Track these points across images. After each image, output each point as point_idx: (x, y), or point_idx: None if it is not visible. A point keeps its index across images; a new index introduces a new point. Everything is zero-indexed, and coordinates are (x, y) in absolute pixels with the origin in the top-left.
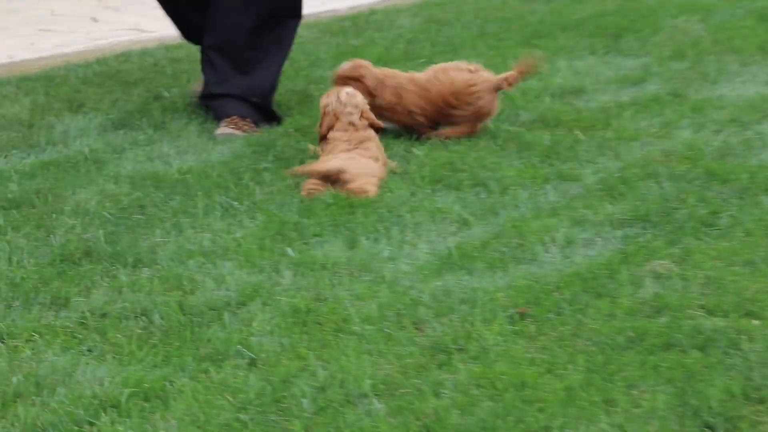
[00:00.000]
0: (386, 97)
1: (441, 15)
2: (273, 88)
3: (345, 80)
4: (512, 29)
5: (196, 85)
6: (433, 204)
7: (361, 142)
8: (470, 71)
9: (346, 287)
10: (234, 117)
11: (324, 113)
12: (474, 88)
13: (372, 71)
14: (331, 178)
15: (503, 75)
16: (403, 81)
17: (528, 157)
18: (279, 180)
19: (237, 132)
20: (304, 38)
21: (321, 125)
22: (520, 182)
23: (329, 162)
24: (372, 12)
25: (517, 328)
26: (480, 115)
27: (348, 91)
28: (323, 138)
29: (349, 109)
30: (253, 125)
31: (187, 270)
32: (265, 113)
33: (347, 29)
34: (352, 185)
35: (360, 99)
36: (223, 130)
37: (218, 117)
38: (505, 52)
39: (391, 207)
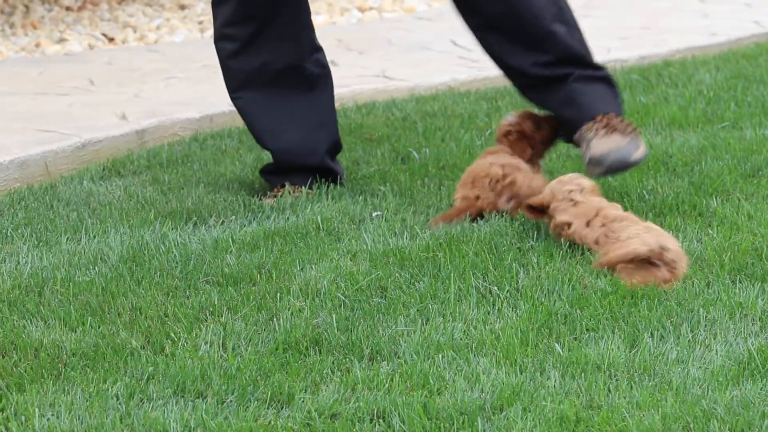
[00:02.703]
0: None
1: (750, 70)
2: None
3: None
4: None
5: None
6: (733, 298)
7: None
8: None
9: (624, 393)
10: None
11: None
12: None
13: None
14: (648, 260)
15: None
16: None
17: None
18: (548, 262)
19: None
20: None
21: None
22: None
23: (634, 241)
24: (666, 64)
25: None
26: None
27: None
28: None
29: (569, 186)
30: None
31: (435, 366)
32: None
33: (635, 84)
34: (677, 270)
35: (585, 180)
36: None
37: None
38: None
39: (682, 299)
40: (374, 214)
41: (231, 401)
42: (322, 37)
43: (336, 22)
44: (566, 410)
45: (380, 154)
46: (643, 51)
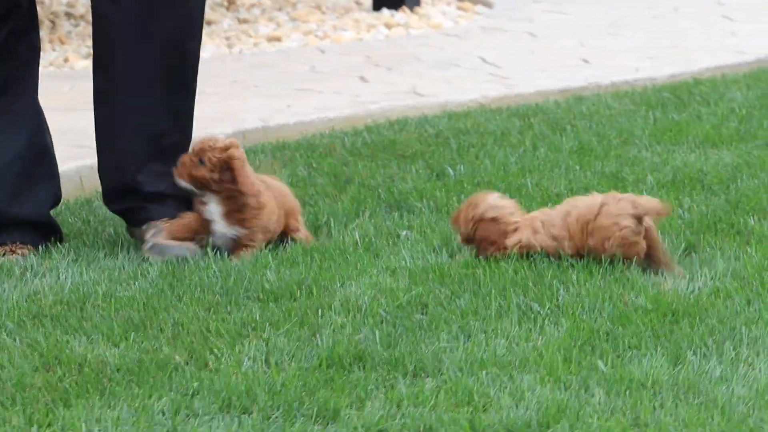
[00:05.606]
0: None
1: None
2: None
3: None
4: None
5: None
6: None
7: None
8: None
9: (669, 411)
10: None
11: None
12: None
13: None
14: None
15: None
16: None
17: None
18: (587, 279)
19: None
20: (614, 110)
21: None
22: None
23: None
24: (697, 82)
25: None
26: None
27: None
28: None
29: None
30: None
31: (479, 383)
32: None
33: (667, 102)
34: None
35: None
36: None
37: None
38: None
39: (723, 317)
40: (403, 233)
41: (277, 417)
42: (350, 54)
43: (363, 38)
44: (613, 427)
45: (415, 171)
46: (672, 70)
